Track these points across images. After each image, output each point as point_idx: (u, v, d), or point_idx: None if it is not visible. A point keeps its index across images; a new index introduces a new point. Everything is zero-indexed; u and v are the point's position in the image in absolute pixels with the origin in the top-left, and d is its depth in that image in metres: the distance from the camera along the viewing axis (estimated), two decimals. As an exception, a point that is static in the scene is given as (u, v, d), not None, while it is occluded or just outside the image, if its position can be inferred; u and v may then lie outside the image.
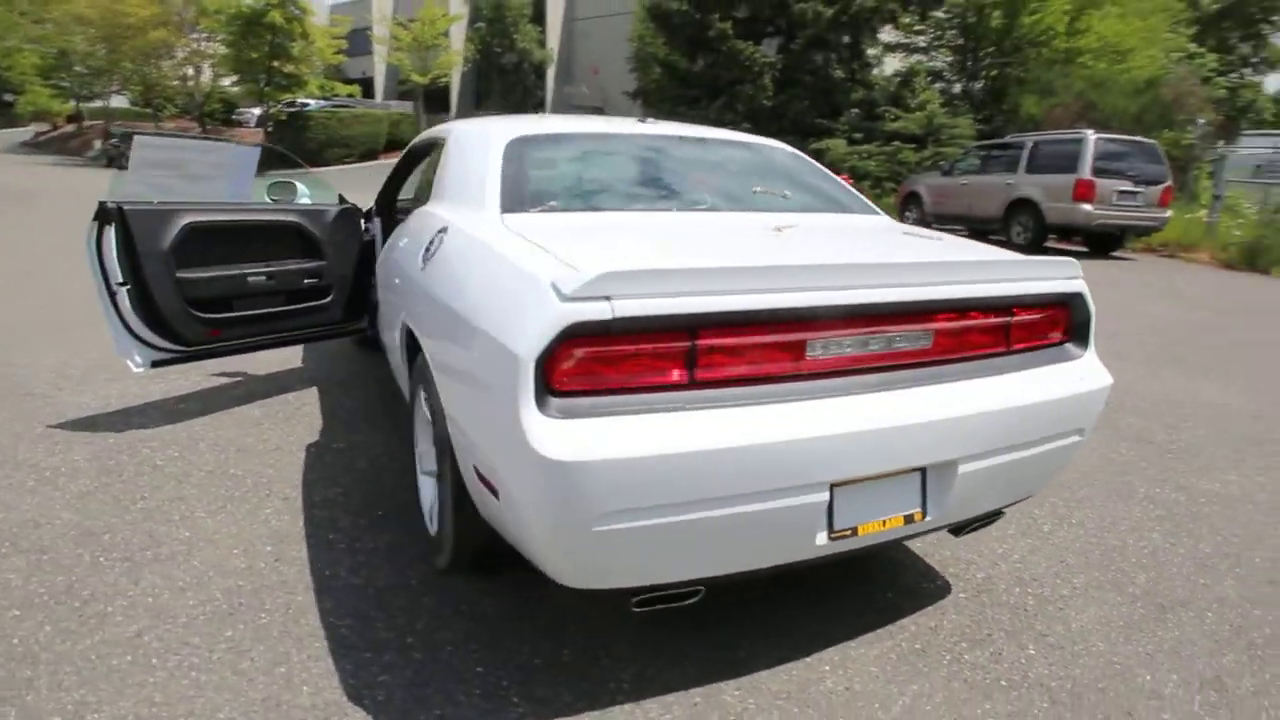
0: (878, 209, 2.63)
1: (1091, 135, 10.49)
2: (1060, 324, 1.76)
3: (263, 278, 3.17)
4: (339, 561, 2.27)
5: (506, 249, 1.63)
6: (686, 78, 19.20)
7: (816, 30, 17.32)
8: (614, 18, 34.83)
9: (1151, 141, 11.30)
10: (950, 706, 1.77)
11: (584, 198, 2.17)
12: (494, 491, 1.46)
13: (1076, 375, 1.73)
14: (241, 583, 2.15)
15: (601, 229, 1.94)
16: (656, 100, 20.91)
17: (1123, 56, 19.35)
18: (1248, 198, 11.90)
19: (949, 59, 21.59)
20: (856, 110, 18.97)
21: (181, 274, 2.96)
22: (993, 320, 1.61)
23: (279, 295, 3.27)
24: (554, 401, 1.27)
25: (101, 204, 2.82)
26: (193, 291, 3.01)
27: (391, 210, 3.66)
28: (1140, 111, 13.85)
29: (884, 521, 1.54)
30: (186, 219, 2.96)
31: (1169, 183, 10.74)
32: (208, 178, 3.12)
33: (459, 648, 1.88)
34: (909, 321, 1.49)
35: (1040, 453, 1.70)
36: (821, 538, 1.46)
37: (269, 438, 3.21)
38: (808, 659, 1.89)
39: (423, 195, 2.89)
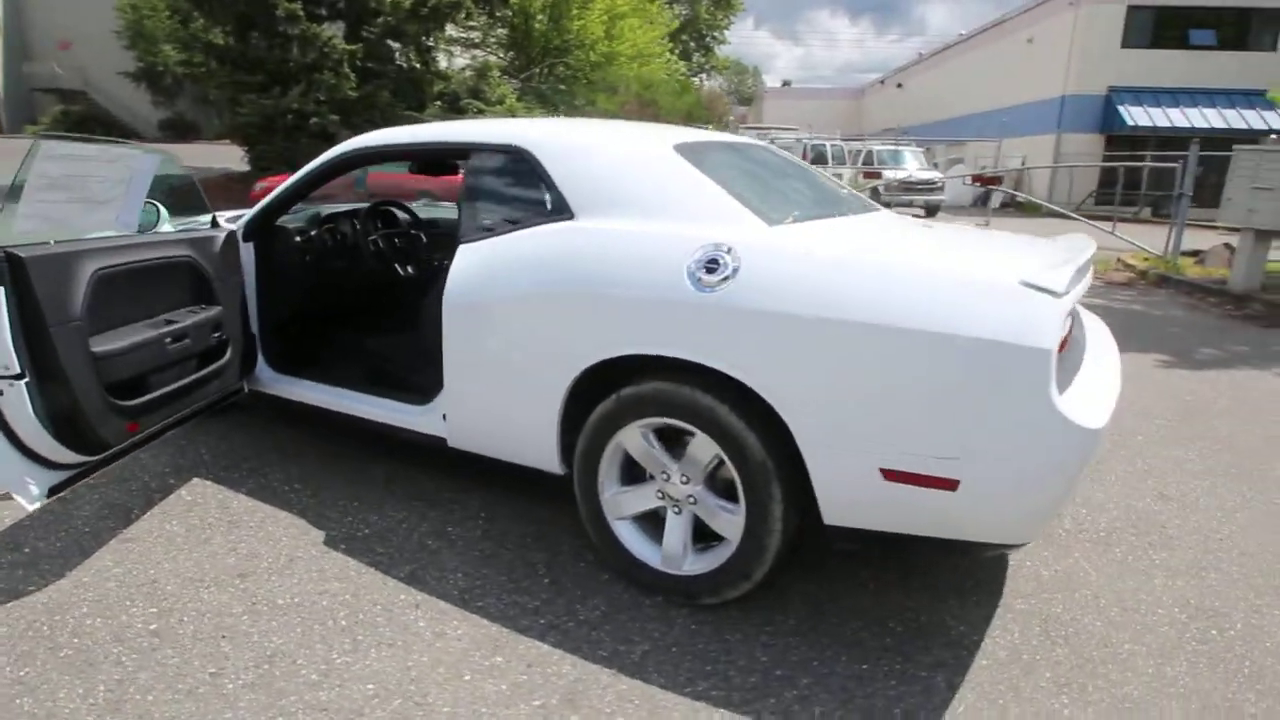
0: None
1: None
2: None
3: (182, 339, 2.45)
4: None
5: (943, 264, 1.90)
6: (242, 61, 17.04)
7: (395, 19, 17.00)
8: (83, -17, 28.64)
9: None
10: None
11: (793, 208, 2.33)
12: (942, 484, 1.76)
13: None
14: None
15: (865, 238, 2.25)
16: (205, 86, 18.09)
17: (648, 61, 23.31)
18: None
19: (504, 56, 23.17)
20: (440, 103, 19.24)
21: (96, 347, 2.14)
22: None
23: (191, 360, 2.57)
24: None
25: None
26: (111, 372, 2.18)
27: (271, 235, 3.08)
28: (689, 109, 17.05)
29: None
30: (92, 265, 2.17)
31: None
32: (106, 200, 2.25)
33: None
34: None
35: None
36: None
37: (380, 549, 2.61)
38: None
39: (491, 216, 2.42)
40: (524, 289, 2.21)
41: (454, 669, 1.89)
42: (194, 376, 2.54)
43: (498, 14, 20.07)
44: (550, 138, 2.38)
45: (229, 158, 18.64)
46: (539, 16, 21.92)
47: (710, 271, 1.94)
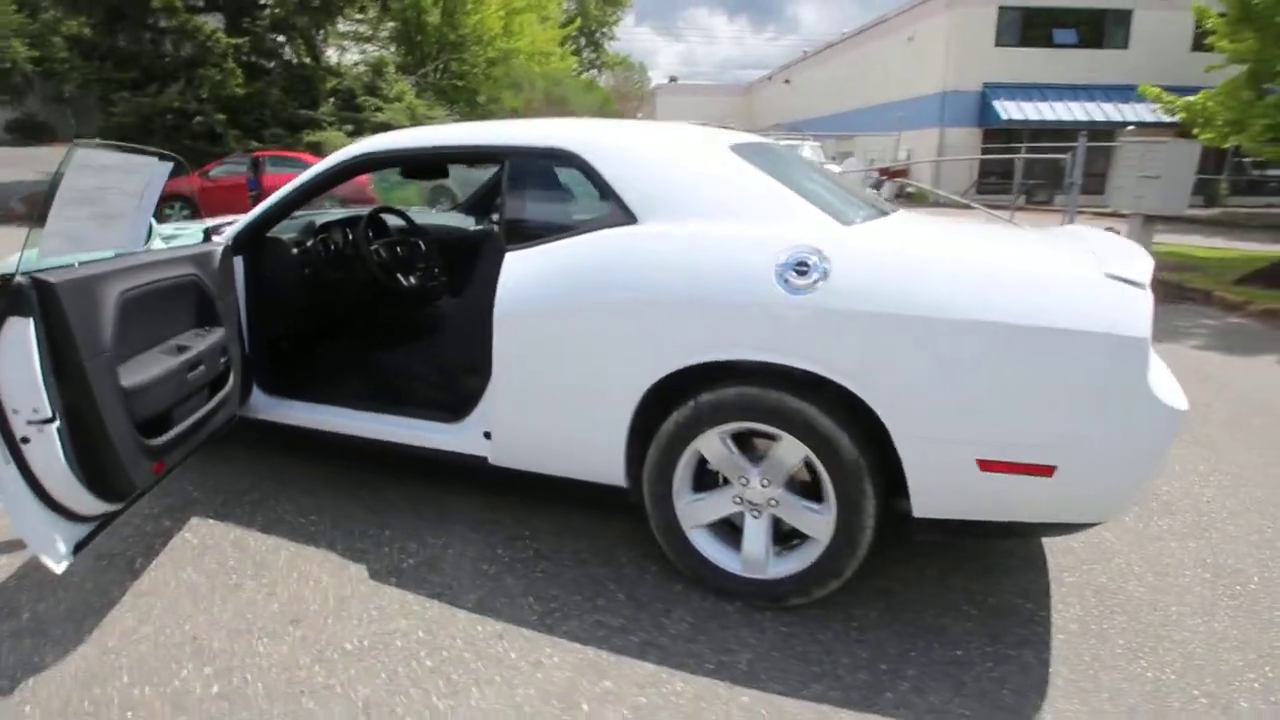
0: None
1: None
2: None
3: (198, 366, 2.22)
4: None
5: (1029, 260, 1.95)
6: (111, 56, 15.65)
7: (284, 11, 16.04)
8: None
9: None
10: None
11: (851, 208, 2.32)
12: (1039, 471, 1.81)
13: None
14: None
15: (934, 235, 2.30)
16: (67, 83, 16.51)
17: (546, 58, 23.05)
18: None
19: (395, 52, 22.32)
20: (333, 100, 18.35)
21: (124, 380, 1.90)
22: None
23: (205, 389, 2.33)
24: None
25: (7, 281, 1.65)
26: (140, 408, 1.94)
27: (262, 247, 2.83)
28: (600, 106, 16.98)
29: None
30: (117, 288, 1.92)
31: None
32: (119, 215, 1.96)
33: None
34: None
35: None
36: None
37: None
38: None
39: (526, 221, 2.34)
40: (591, 297, 2.13)
41: (567, 700, 1.81)
42: (208, 407, 2.30)
43: (391, 6, 19.28)
44: (600, 140, 2.30)
45: (97, 161, 17.01)
46: (432, 11, 21.24)
47: (801, 274, 1.93)
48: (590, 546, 2.49)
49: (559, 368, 2.21)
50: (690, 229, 2.09)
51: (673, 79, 55.80)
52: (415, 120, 18.39)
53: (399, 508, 2.73)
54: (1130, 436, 1.80)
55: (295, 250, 2.86)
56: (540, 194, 2.36)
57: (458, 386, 2.65)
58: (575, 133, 2.35)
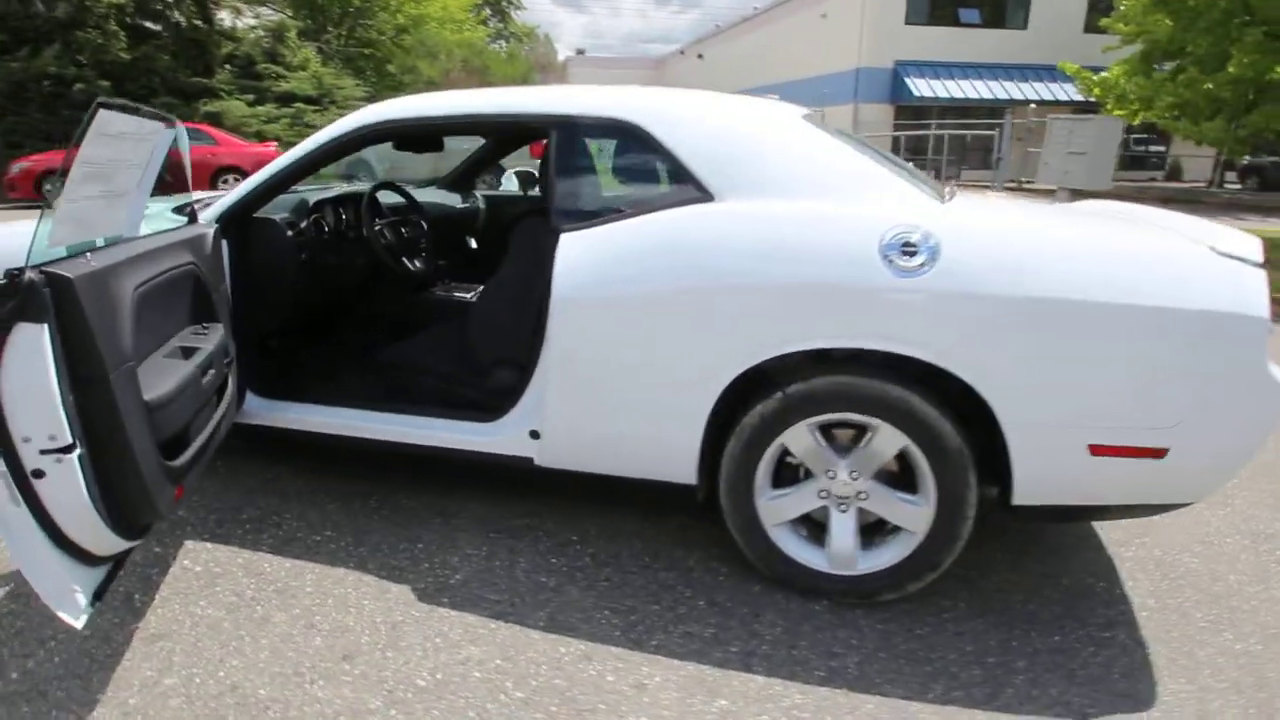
0: None
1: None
2: None
3: (208, 370, 1.90)
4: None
5: (1138, 240, 1.86)
6: (-30, 14, 13.93)
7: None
8: None
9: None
10: None
11: (928, 184, 2.21)
12: (1151, 454, 1.76)
13: None
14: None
15: (1028, 214, 2.21)
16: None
17: (459, 27, 22.09)
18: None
19: (296, 16, 20.89)
20: (230, 67, 17.02)
21: (147, 393, 1.59)
22: None
23: (214, 397, 2.01)
24: None
25: (14, 276, 1.33)
26: (164, 425, 1.64)
27: (249, 229, 2.48)
28: (524, 76, 16.36)
29: None
30: (132, 281, 1.59)
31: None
32: (123, 193, 1.60)
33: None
34: None
35: None
36: None
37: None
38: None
39: (595, 198, 2.16)
40: (671, 283, 1.94)
41: (687, 725, 1.65)
42: (218, 416, 1.99)
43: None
44: (668, 110, 2.09)
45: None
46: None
47: (908, 254, 1.81)
48: (648, 549, 2.32)
49: (630, 359, 2.01)
50: (778, 208, 1.93)
51: (580, 51, 54.81)
52: (323, 90, 17.31)
53: (423, 517, 2.48)
54: (1245, 417, 1.78)
55: (290, 233, 2.52)
56: (596, 169, 2.14)
57: (489, 382, 2.41)
58: (638, 102, 2.12)
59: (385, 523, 2.44)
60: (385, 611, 2.00)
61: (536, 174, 4.21)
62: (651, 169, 2.10)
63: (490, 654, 1.85)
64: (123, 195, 1.61)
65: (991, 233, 1.89)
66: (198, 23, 16.48)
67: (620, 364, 2.02)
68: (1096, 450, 1.82)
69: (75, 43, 13.75)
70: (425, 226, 3.05)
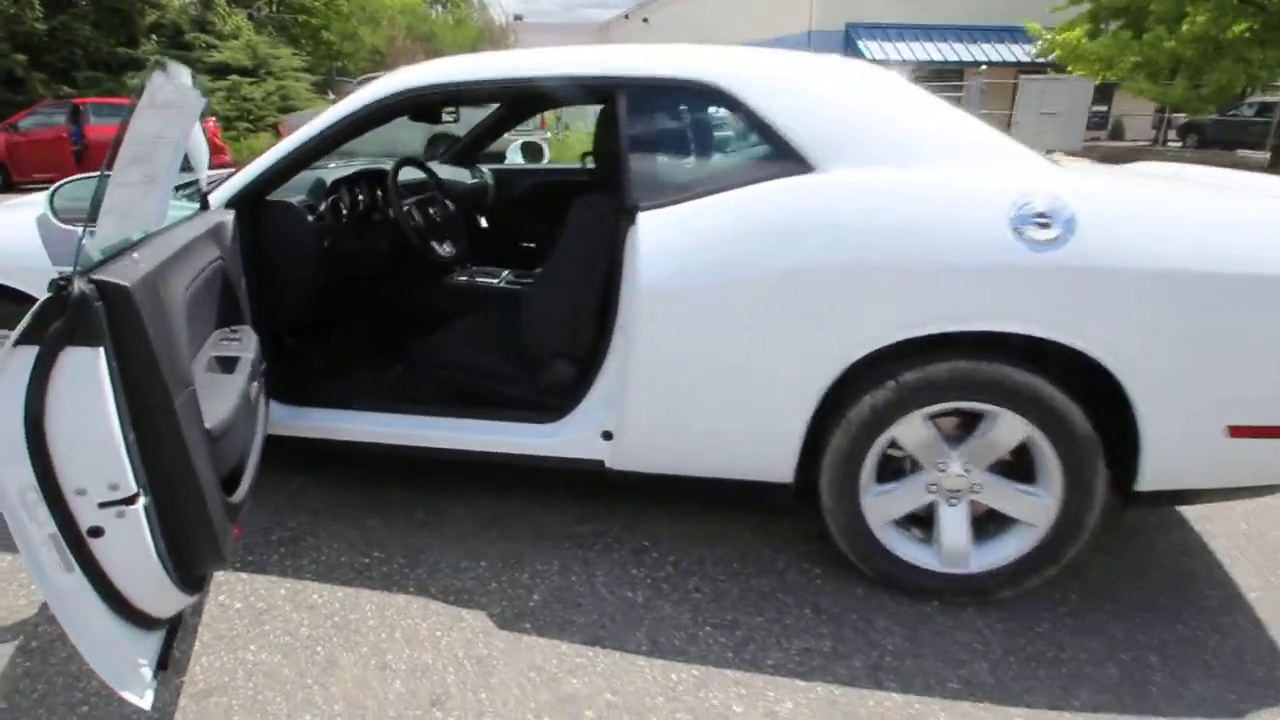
0: None
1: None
2: None
3: (253, 384, 1.64)
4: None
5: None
6: None
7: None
8: None
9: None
10: None
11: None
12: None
13: None
14: None
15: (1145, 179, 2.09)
16: None
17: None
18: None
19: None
20: (156, 37, 15.93)
21: (208, 420, 1.34)
22: None
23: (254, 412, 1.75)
24: None
25: (62, 287, 1.04)
26: (225, 454, 1.40)
27: (263, 214, 2.17)
28: (473, 43, 15.69)
29: None
30: (181, 283, 1.32)
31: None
32: (161, 175, 1.31)
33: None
34: None
35: None
36: None
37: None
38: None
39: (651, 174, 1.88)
40: (771, 265, 1.74)
41: (838, 757, 1.50)
42: (260, 435, 1.73)
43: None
44: (755, 70, 1.87)
45: None
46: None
47: (1043, 225, 1.65)
48: (732, 552, 2.16)
49: (727, 352, 1.82)
50: (890, 178, 1.74)
51: (517, 17, 53.21)
52: (258, 60, 16.35)
53: (477, 529, 2.26)
54: None
55: (310, 217, 2.23)
56: (674, 138, 1.92)
57: (544, 378, 2.18)
58: (721, 62, 1.90)
59: (437, 537, 2.21)
60: (465, 644, 1.79)
61: (542, 144, 3.93)
62: (739, 137, 1.89)
63: (596, 687, 1.66)
64: (156, 179, 1.33)
65: (1123, 200, 1.74)
66: (117, -11, 15.32)
67: (715, 357, 1.83)
68: (1236, 431, 1.71)
69: (-16, 13, 12.62)
70: (451, 206, 2.77)
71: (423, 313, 2.65)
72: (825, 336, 1.76)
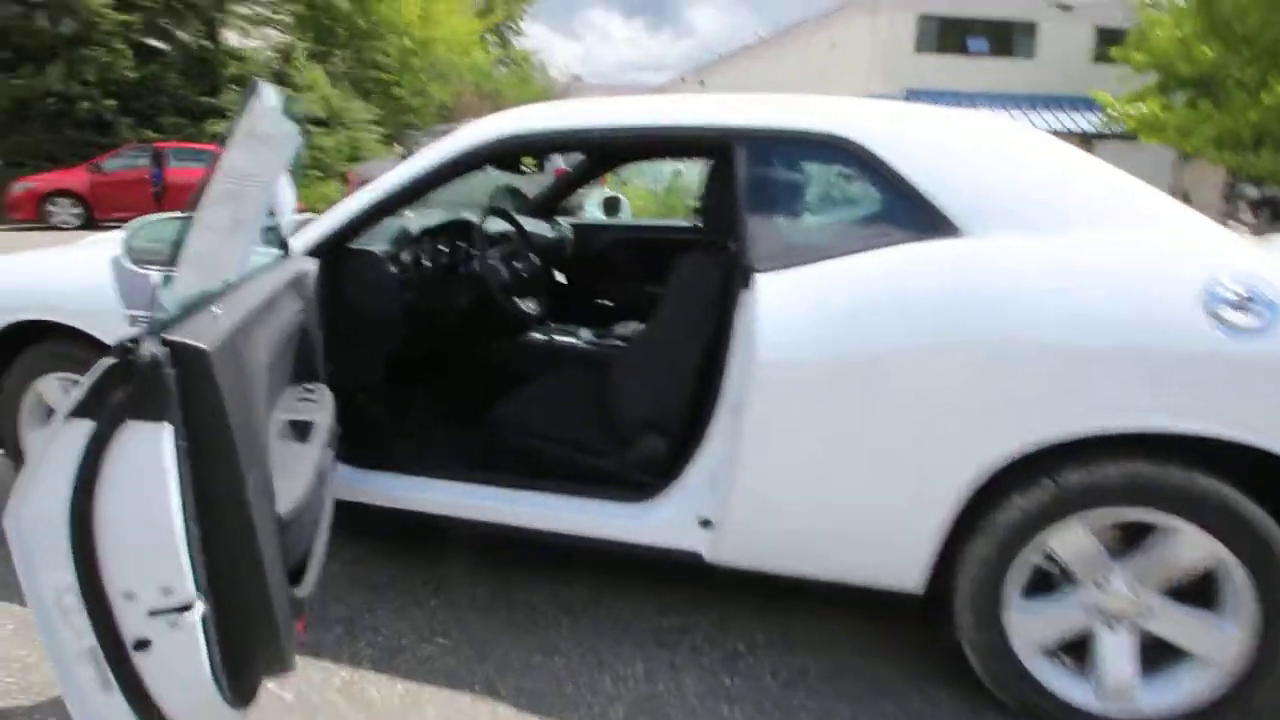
0: None
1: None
2: None
3: (328, 452, 1.47)
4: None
5: None
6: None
7: (180, -13, 14.35)
8: None
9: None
10: None
11: None
12: None
13: None
14: None
15: None
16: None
17: (467, 49, 21.87)
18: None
19: (303, 37, 20.62)
20: (235, 86, 16.68)
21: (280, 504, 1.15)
22: None
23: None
24: None
25: (129, 349, 0.88)
26: (294, 542, 1.23)
27: (344, 262, 2.05)
28: (536, 101, 16.04)
29: None
30: (262, 341, 1.16)
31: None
32: (250, 219, 1.18)
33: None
34: None
35: None
36: None
37: None
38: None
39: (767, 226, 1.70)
40: (915, 342, 1.53)
41: None
42: (329, 510, 1.55)
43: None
44: (893, 124, 1.70)
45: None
46: (340, -3, 19.65)
47: (1242, 308, 1.40)
48: (837, 662, 1.88)
49: (855, 435, 1.59)
50: (1053, 246, 1.53)
51: (576, 78, 54.95)
52: (332, 112, 16.98)
53: (548, 617, 2.03)
54: None
55: (393, 268, 2.09)
56: (798, 195, 1.74)
57: (633, 451, 1.98)
58: (852, 114, 1.73)
59: (505, 625, 1.99)
60: None
61: (621, 198, 3.81)
62: (871, 196, 1.70)
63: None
64: (244, 223, 1.19)
65: None
66: (205, 42, 16.17)
67: (843, 441, 1.60)
68: None
69: (80, 60, 13.35)
70: (537, 261, 2.63)
71: (498, 372, 2.49)
72: (977, 425, 1.52)
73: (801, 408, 1.59)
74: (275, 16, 20.45)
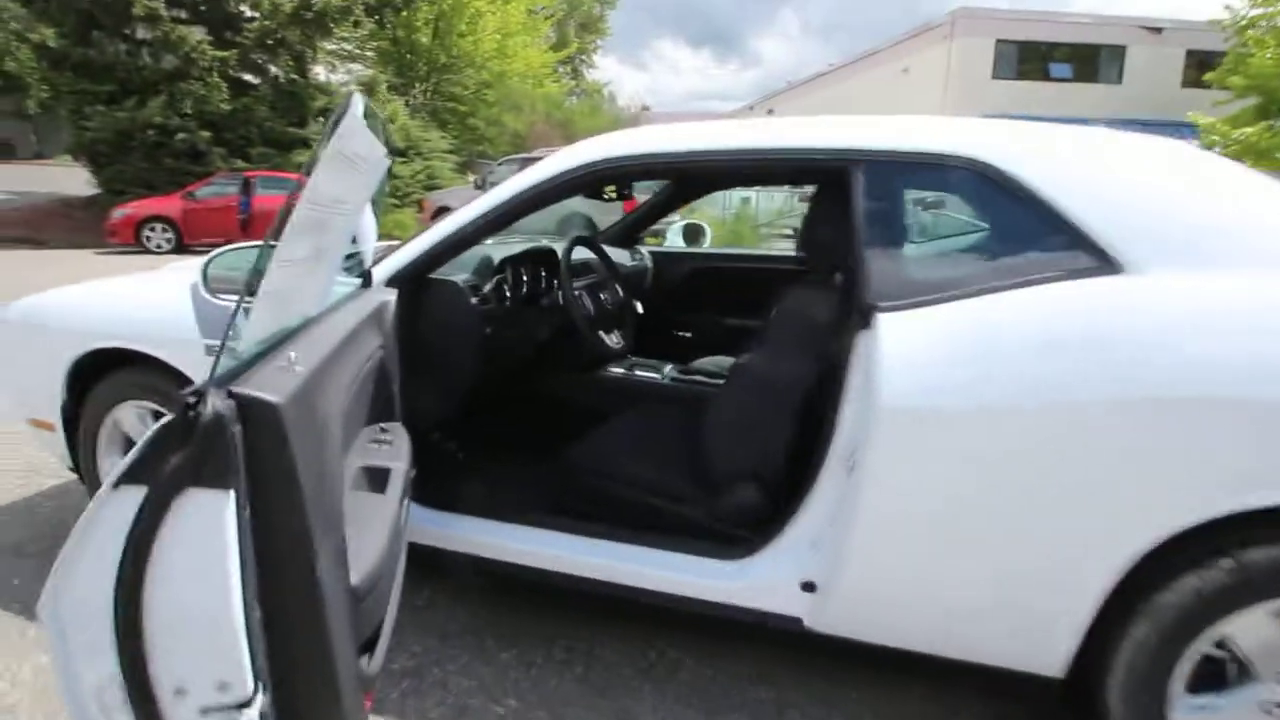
0: None
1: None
2: None
3: (405, 503, 1.35)
4: None
5: None
6: (85, 67, 14.46)
7: (275, 23, 15.05)
8: None
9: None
10: None
11: None
12: None
13: None
14: None
15: None
16: (33, 96, 15.33)
17: (540, 81, 22.39)
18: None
19: (385, 71, 21.48)
20: (322, 119, 17.40)
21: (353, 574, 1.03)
22: None
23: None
24: None
25: (191, 405, 0.74)
26: (369, 615, 1.12)
27: (423, 293, 1.96)
28: (607, 130, 16.27)
29: None
30: (339, 387, 1.05)
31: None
32: (331, 250, 1.10)
33: None
34: None
35: None
36: None
37: None
38: None
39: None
40: (1071, 393, 1.32)
41: None
42: (402, 564, 1.43)
43: (387, 23, 18.42)
44: (1039, 145, 1.51)
45: (58, 180, 15.91)
46: (423, 30, 20.45)
47: None
48: (955, 753, 1.65)
49: (993, 495, 1.39)
50: (1239, 287, 1.30)
51: (645, 108, 55.65)
52: (410, 142, 17.52)
53: (626, 680, 1.86)
54: None
55: (476, 299, 1.99)
56: (923, 225, 1.57)
57: (724, 503, 1.81)
58: (989, 134, 1.55)
59: (580, 687, 1.83)
60: None
61: (704, 226, 3.68)
62: (1008, 225, 1.50)
63: None
64: (326, 254, 1.09)
65: None
66: (295, 76, 16.90)
67: (978, 502, 1.40)
68: None
69: (179, 94, 14.11)
70: (621, 293, 2.51)
71: (576, 409, 2.35)
72: (1145, 490, 1.30)
73: (927, 459, 1.40)
74: (360, 52, 21.44)
